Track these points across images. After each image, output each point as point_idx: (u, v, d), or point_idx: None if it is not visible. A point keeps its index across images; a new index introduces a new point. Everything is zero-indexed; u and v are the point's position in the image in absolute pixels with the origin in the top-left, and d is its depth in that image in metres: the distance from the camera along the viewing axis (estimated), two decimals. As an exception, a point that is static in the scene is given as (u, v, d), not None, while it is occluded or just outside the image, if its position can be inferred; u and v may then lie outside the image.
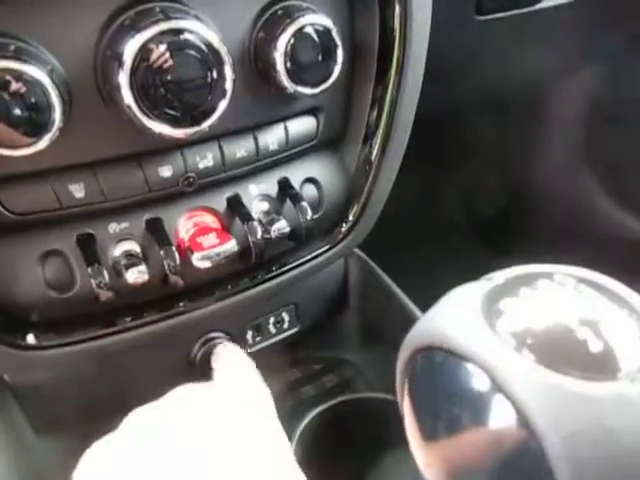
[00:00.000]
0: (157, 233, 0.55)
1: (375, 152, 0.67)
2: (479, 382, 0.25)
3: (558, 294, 0.26)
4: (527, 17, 0.90)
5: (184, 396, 0.50)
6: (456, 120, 1.58)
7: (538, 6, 0.90)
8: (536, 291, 0.26)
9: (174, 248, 0.54)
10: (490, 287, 0.27)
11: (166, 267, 0.53)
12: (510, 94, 1.20)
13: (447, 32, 0.69)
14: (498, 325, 0.25)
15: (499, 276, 0.28)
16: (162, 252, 0.53)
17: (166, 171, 0.54)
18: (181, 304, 0.62)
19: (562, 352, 0.24)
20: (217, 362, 0.62)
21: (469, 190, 1.77)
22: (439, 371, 0.28)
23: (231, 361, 0.61)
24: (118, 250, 0.55)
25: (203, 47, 0.45)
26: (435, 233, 1.56)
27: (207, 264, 0.55)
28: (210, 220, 0.59)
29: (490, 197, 1.67)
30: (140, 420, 0.47)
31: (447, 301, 0.30)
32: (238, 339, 0.74)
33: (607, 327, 0.25)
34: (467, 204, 1.81)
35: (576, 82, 1.28)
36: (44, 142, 0.43)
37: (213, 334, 0.71)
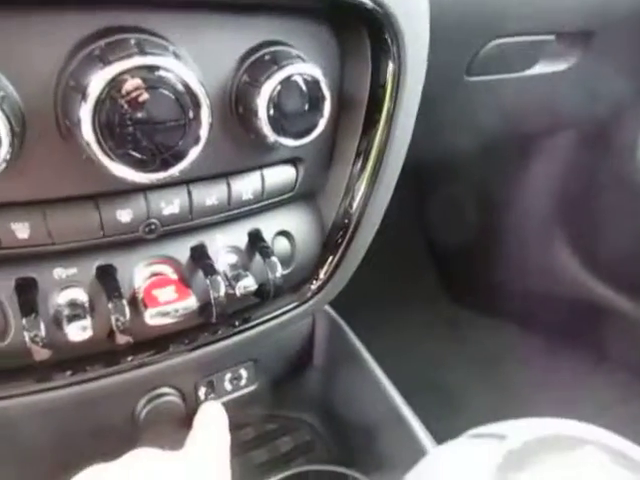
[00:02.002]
0: (108, 282, 0.49)
1: (356, 205, 0.64)
2: None
3: (588, 478, 0.21)
4: (516, 81, 0.89)
5: (143, 460, 0.47)
6: (432, 173, 1.58)
7: (527, 72, 0.89)
8: (561, 470, 0.21)
9: (124, 302, 0.48)
10: (503, 454, 0.23)
11: (113, 323, 0.48)
12: (493, 152, 1.20)
13: (436, 90, 0.67)
14: None
15: (513, 436, 0.23)
16: (110, 305, 0.48)
17: (125, 215, 0.48)
18: (130, 358, 0.56)
19: None
20: (197, 423, 0.57)
21: (440, 242, 1.76)
22: None
23: (208, 432, 0.56)
24: (62, 298, 0.49)
25: (179, 87, 0.41)
26: (401, 285, 1.54)
27: (162, 321, 0.50)
28: (169, 271, 0.53)
29: (461, 252, 1.66)
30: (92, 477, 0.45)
31: (445, 467, 0.25)
32: (189, 396, 0.68)
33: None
34: (437, 257, 1.80)
35: (558, 145, 1.28)
36: (-16, 177, 0.38)
37: (161, 390, 0.65)
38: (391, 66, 0.55)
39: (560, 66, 0.92)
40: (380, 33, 0.52)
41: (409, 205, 1.70)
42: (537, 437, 0.23)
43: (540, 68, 0.90)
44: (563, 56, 0.92)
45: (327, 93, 0.49)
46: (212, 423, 0.58)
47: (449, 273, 1.78)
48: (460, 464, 0.23)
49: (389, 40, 0.52)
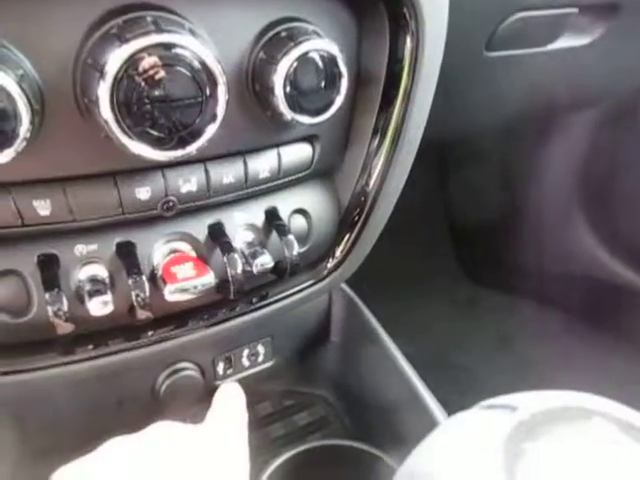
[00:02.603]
0: (127, 259, 0.50)
1: (372, 184, 0.63)
2: None
3: (597, 448, 0.21)
4: (538, 56, 0.87)
5: (164, 433, 0.49)
6: (454, 152, 1.56)
7: (549, 47, 0.87)
8: (570, 441, 0.22)
9: (144, 278, 0.49)
10: (513, 424, 0.23)
11: (134, 299, 0.49)
12: (513, 131, 1.18)
13: (455, 66, 0.66)
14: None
15: (524, 407, 0.24)
16: (130, 281, 0.49)
17: (144, 193, 0.49)
18: (150, 333, 0.57)
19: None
20: (216, 403, 0.58)
21: (460, 221, 1.75)
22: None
23: (227, 409, 0.57)
24: (83, 274, 0.50)
25: (196, 65, 0.41)
26: (420, 265, 1.54)
27: (180, 297, 0.51)
28: (187, 248, 0.54)
29: (481, 231, 1.65)
30: (114, 448, 0.46)
31: (456, 435, 0.25)
32: (208, 371, 0.69)
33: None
34: (457, 235, 1.79)
35: (579, 123, 1.26)
36: (6, 155, 0.39)
37: (181, 364, 0.66)
38: (409, 41, 0.54)
39: (583, 40, 0.90)
40: (398, 7, 0.52)
41: (429, 185, 1.69)
42: (547, 408, 0.23)
43: (562, 42, 0.87)
44: (586, 30, 0.90)
45: (344, 70, 0.49)
46: (231, 402, 0.59)
47: (468, 252, 1.77)
48: (471, 434, 0.24)
49: (407, 14, 0.51)
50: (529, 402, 0.24)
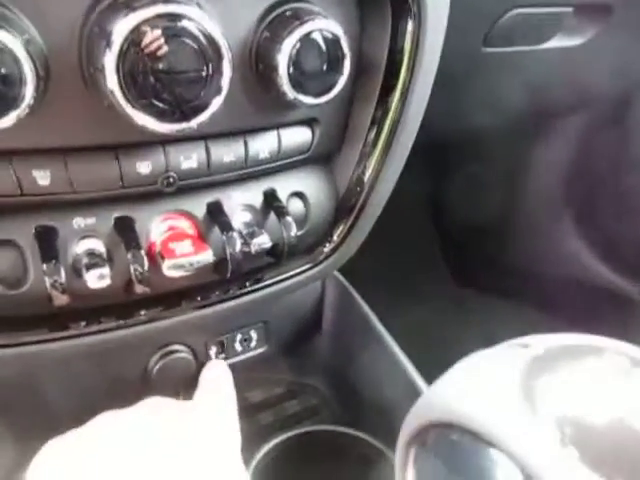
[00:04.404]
0: (126, 233, 0.50)
1: (369, 174, 0.64)
2: (509, 476, 0.21)
3: (611, 377, 0.22)
4: (533, 54, 0.88)
5: (154, 408, 0.49)
6: (447, 148, 1.57)
7: (545, 45, 0.88)
8: (585, 371, 0.22)
9: (143, 252, 0.49)
10: (528, 358, 0.23)
11: (132, 273, 0.48)
12: (508, 126, 1.19)
13: (453, 60, 0.67)
14: (539, 408, 0.21)
15: (537, 344, 0.24)
16: (129, 255, 0.48)
17: (145, 167, 0.49)
18: (143, 312, 0.57)
19: (613, 452, 0.20)
20: (203, 380, 0.59)
21: (452, 223, 1.76)
22: (460, 455, 0.24)
23: (215, 386, 0.58)
24: (81, 247, 0.49)
25: (202, 38, 0.41)
26: (411, 268, 1.54)
27: (178, 273, 0.50)
28: (186, 225, 0.54)
29: (473, 233, 1.66)
30: (103, 422, 0.47)
31: (475, 369, 0.25)
32: (200, 354, 0.69)
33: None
34: (448, 238, 1.80)
35: (571, 125, 1.27)
36: (10, 119, 0.38)
37: (174, 346, 0.66)
38: (410, 27, 0.54)
39: (577, 40, 0.91)
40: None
41: (422, 185, 1.70)
42: (560, 345, 0.24)
43: (556, 42, 0.89)
44: (580, 30, 0.91)
45: (347, 51, 0.49)
46: (218, 378, 0.59)
47: (457, 254, 1.78)
48: (487, 367, 0.24)
49: (410, -1, 0.52)
50: (544, 340, 0.24)
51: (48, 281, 0.46)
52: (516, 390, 0.22)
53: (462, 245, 1.76)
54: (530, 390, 0.21)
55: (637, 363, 0.23)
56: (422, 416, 0.27)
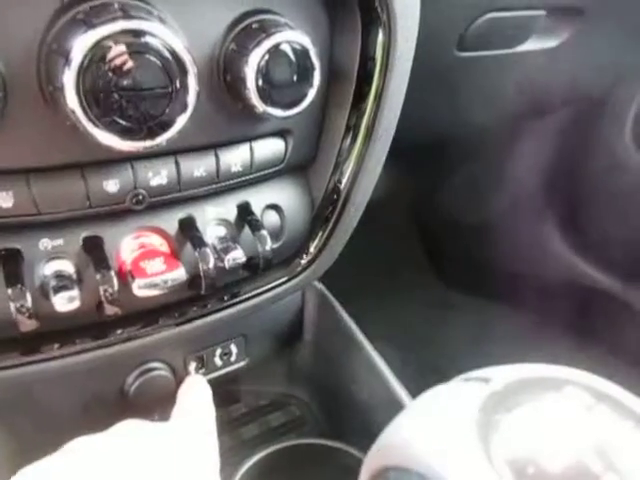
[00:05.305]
0: (95, 253, 0.48)
1: (345, 181, 0.63)
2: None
3: (572, 415, 0.21)
4: (507, 57, 0.88)
5: (129, 432, 0.48)
6: (425, 152, 1.57)
7: (518, 49, 0.88)
8: (544, 409, 0.22)
9: (112, 273, 0.48)
10: (486, 394, 0.23)
11: (101, 294, 0.47)
12: (483, 129, 1.19)
13: (427, 65, 0.66)
14: (495, 451, 0.21)
15: (496, 378, 0.24)
16: (98, 276, 0.47)
17: (112, 186, 0.48)
18: (119, 331, 0.56)
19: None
20: (181, 398, 0.58)
21: (431, 224, 1.76)
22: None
23: (193, 404, 0.56)
24: (48, 269, 0.48)
25: (165, 53, 0.40)
26: (392, 268, 1.54)
27: (150, 292, 0.49)
28: (159, 242, 0.53)
29: (453, 234, 1.66)
30: (78, 447, 0.45)
31: (431, 407, 0.25)
32: (179, 371, 0.67)
33: (625, 461, 0.20)
34: (428, 239, 1.80)
35: (548, 126, 1.28)
36: (-35, 142, 0.37)
37: (152, 364, 0.65)
38: (381, 35, 0.54)
39: (551, 43, 0.92)
40: (370, 1, 0.52)
41: (403, 187, 1.70)
42: (520, 379, 0.23)
43: (531, 44, 0.89)
44: (554, 32, 0.92)
45: (316, 62, 0.49)
46: (196, 395, 0.58)
47: (440, 255, 1.78)
48: (444, 406, 0.24)
49: (379, 7, 0.51)
50: (503, 374, 0.24)
51: (13, 306, 0.44)
52: (473, 432, 0.21)
53: (446, 246, 1.76)
54: (487, 431, 0.21)
55: (600, 397, 0.22)
56: (380, 459, 0.26)
